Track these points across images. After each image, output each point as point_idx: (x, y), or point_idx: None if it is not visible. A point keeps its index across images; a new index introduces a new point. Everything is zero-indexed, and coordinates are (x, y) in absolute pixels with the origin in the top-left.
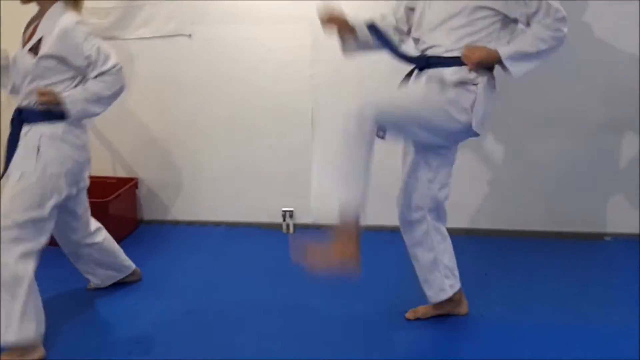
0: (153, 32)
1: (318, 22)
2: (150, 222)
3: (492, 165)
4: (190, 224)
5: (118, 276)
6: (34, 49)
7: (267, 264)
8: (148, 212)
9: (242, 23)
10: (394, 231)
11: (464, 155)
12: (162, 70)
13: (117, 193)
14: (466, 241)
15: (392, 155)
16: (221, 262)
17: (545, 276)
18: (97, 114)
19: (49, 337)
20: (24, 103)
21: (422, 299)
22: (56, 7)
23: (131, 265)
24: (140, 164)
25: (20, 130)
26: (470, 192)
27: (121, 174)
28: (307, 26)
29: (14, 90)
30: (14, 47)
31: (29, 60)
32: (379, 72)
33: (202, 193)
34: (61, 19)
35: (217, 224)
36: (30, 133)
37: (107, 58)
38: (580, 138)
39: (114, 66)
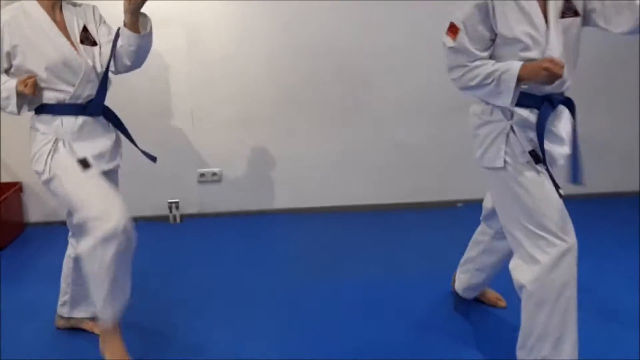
0: None
1: (191, 24)
2: (37, 225)
3: (359, 148)
4: None
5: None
6: (87, 41)
7: (158, 255)
8: (34, 215)
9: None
10: None
11: (328, 141)
12: None
13: (3, 197)
14: (338, 217)
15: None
16: None
17: (411, 240)
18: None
19: None
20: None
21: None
22: None
23: None
24: (24, 168)
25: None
26: (337, 173)
27: (5, 179)
28: (180, 29)
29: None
30: None
31: (94, 51)
32: (251, 67)
33: None
34: (79, 5)
35: None
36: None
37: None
38: (432, 119)
39: None
